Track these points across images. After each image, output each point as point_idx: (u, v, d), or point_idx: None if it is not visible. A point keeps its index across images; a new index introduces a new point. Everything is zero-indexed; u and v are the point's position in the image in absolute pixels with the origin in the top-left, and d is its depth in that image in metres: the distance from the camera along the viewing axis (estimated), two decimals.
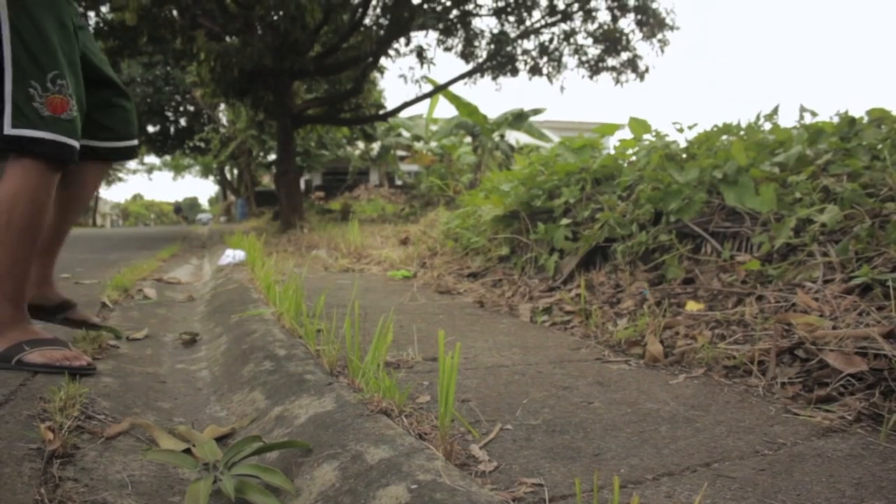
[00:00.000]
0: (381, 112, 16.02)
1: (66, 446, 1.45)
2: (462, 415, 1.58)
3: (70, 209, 2.43)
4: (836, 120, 3.96)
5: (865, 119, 3.75)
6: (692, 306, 2.65)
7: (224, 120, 27.13)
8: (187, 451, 1.51)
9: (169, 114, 26.63)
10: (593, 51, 13.05)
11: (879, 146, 3.26)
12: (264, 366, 2.11)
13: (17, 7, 1.91)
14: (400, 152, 28.47)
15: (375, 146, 27.93)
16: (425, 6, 11.33)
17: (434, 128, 22.06)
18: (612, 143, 4.50)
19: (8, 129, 1.91)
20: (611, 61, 12.97)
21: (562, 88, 20.56)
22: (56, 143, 1.96)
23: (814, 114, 4.32)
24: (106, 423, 1.65)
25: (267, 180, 33.90)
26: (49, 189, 2.03)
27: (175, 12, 10.68)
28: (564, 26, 12.98)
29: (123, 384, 2.07)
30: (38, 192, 1.99)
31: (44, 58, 1.94)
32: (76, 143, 2.04)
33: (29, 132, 1.92)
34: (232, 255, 5.55)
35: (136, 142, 2.44)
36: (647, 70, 12.91)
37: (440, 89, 14.36)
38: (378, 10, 12.02)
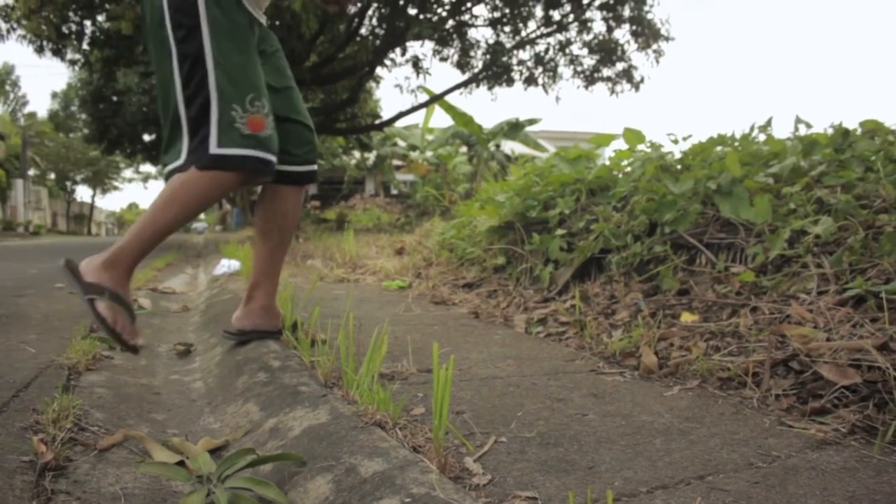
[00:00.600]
0: (377, 122, 16.08)
1: (59, 458, 1.44)
2: (456, 427, 1.57)
3: (284, 232, 2.51)
4: (830, 131, 3.98)
5: (859, 131, 3.77)
6: (687, 318, 2.65)
7: None
8: (181, 463, 1.51)
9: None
10: (588, 61, 13.12)
11: (873, 158, 3.28)
12: (258, 377, 2.11)
13: (215, 40, 2.09)
14: (396, 162, 28.53)
15: (371, 156, 28.00)
16: (421, 16, 11.36)
17: (430, 137, 22.10)
18: (607, 153, 4.51)
19: (214, 149, 2.07)
20: (606, 71, 13.04)
21: (557, 98, 20.62)
22: (257, 158, 2.12)
23: (808, 125, 4.34)
24: (99, 435, 1.64)
25: None
26: (220, 197, 2.25)
27: None
28: (560, 37, 13.05)
29: (117, 395, 2.06)
30: (211, 197, 2.16)
31: (241, 82, 2.12)
32: (274, 158, 2.18)
33: (233, 150, 2.08)
34: (227, 265, 5.54)
35: (315, 167, 2.50)
36: (642, 80, 12.98)
37: (436, 99, 14.39)
38: (374, 21, 12.06)
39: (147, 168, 49.15)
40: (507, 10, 12.50)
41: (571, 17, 12.70)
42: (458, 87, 13.55)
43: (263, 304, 2.54)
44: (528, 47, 13.09)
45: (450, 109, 16.48)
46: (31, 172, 38.89)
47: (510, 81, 13.00)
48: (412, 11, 11.32)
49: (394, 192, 30.33)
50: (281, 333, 2.52)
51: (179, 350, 2.86)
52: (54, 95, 37.93)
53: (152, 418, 1.93)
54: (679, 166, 3.91)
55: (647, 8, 12.40)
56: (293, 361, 2.18)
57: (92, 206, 51.58)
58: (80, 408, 1.75)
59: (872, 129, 3.72)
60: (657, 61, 12.81)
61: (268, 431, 1.68)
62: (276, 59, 2.42)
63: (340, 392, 1.79)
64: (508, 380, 2.10)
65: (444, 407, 1.37)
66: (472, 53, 13.10)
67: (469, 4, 12.21)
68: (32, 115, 40.56)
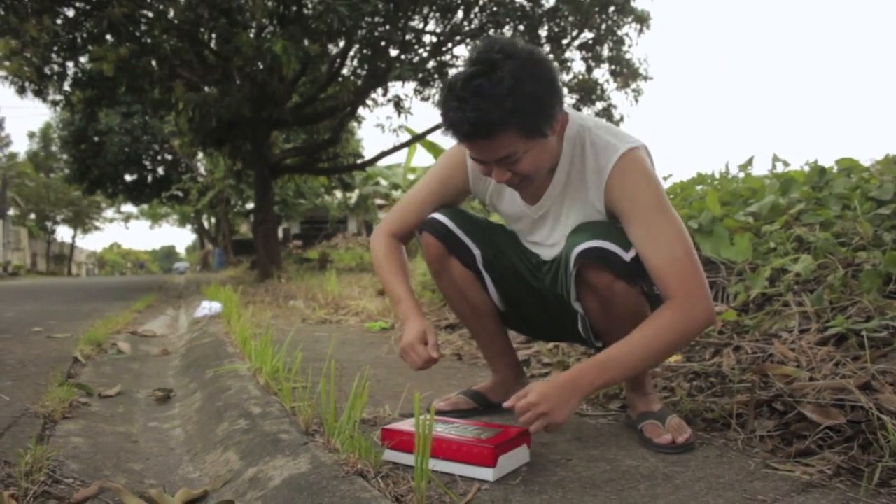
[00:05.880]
0: (359, 161, 16.10)
1: None
2: (439, 475, 1.55)
3: None
4: (806, 169, 4.03)
5: (835, 168, 3.82)
6: (670, 358, 2.64)
7: (202, 169, 27.15)
8: None
9: (147, 163, 26.67)
10: (569, 100, 13.23)
11: (849, 196, 3.31)
12: (239, 424, 2.07)
13: None
14: (378, 201, 28.57)
15: (353, 195, 28.05)
16: (403, 57, 11.46)
17: (412, 176, 22.17)
18: None
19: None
20: (586, 110, 13.14)
21: None
22: None
23: (786, 163, 4.40)
24: (74, 488, 1.60)
25: (244, 229, 33.84)
26: None
27: (154, 63, 10.72)
28: None
29: (94, 445, 2.02)
30: None
31: None
32: None
33: None
34: (208, 307, 5.50)
35: None
36: (621, 119, 13.09)
37: (418, 138, 14.46)
38: (356, 62, 12.14)
39: (128, 208, 48.93)
40: None
41: (551, 57, 12.86)
42: (439, 126, 13.55)
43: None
44: None
45: (431, 149, 16.56)
46: (11, 212, 38.59)
47: None
48: (394, 52, 11.42)
49: None
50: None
51: (158, 396, 2.82)
52: (31, 135, 37.85)
53: (130, 468, 1.89)
54: None
55: (625, 48, 12.59)
56: (274, 408, 2.14)
57: (72, 247, 51.16)
58: (54, 459, 1.71)
59: (848, 166, 3.77)
60: (636, 100, 12.94)
61: (248, 481, 1.65)
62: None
63: (322, 439, 1.76)
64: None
65: (426, 456, 1.35)
66: None
67: (450, 45, 12.33)
68: (13, 156, 40.38)
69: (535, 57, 1.69)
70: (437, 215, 2.07)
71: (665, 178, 4.50)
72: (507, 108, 1.62)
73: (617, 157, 1.80)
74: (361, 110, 14.09)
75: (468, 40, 11.96)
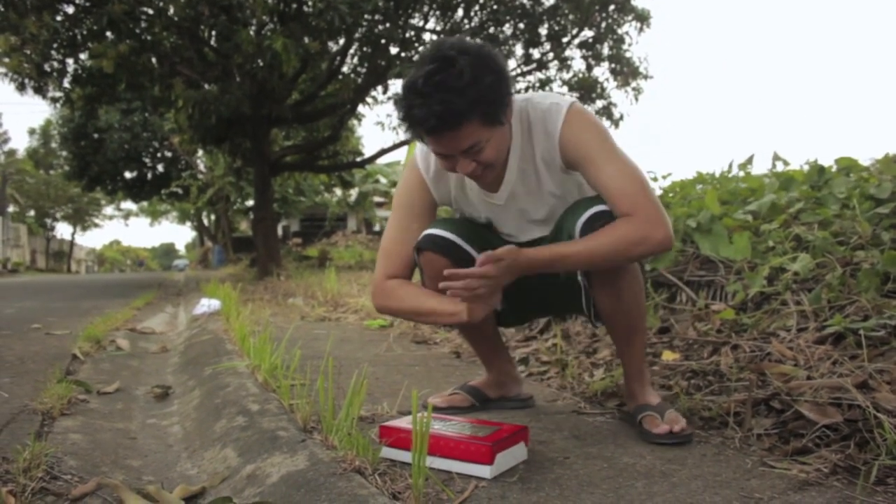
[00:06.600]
0: (359, 159, 16.13)
1: None
2: (436, 473, 1.55)
3: None
4: (806, 168, 4.03)
5: (834, 168, 3.82)
6: (668, 356, 2.65)
7: (202, 166, 27.14)
8: None
9: (146, 160, 26.63)
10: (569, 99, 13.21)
11: (846, 195, 3.32)
12: (237, 421, 2.08)
13: None
14: (377, 198, 28.60)
15: (353, 192, 28.05)
16: (402, 54, 11.46)
17: None
18: None
19: None
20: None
21: None
22: None
23: (786, 162, 4.40)
24: (72, 484, 1.61)
25: (244, 226, 33.83)
26: None
27: (154, 60, 10.72)
28: (540, 75, 13.20)
29: (92, 441, 2.03)
30: None
31: None
32: None
33: None
34: (207, 305, 5.50)
35: None
36: (621, 117, 13.08)
37: None
38: (355, 59, 12.15)
39: (128, 205, 48.92)
40: None
41: (551, 55, 12.85)
42: None
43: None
44: None
45: None
46: (11, 209, 38.57)
47: None
48: (394, 50, 11.42)
49: (376, 228, 30.37)
50: None
51: (157, 393, 2.82)
52: (31, 132, 37.79)
53: (128, 465, 1.89)
54: None
55: (625, 47, 12.60)
56: (272, 405, 2.15)
57: (72, 244, 51.14)
58: (52, 455, 1.71)
59: (847, 166, 3.77)
60: (636, 99, 12.95)
61: (245, 478, 1.65)
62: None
63: (319, 437, 1.77)
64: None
65: (424, 453, 1.35)
66: None
67: None
68: (12, 153, 40.34)
69: (486, 51, 1.77)
70: (435, 231, 2.00)
71: (665, 177, 4.49)
72: (470, 98, 1.69)
73: (563, 115, 1.88)
74: (361, 108, 14.10)
75: (468, 38, 11.95)
